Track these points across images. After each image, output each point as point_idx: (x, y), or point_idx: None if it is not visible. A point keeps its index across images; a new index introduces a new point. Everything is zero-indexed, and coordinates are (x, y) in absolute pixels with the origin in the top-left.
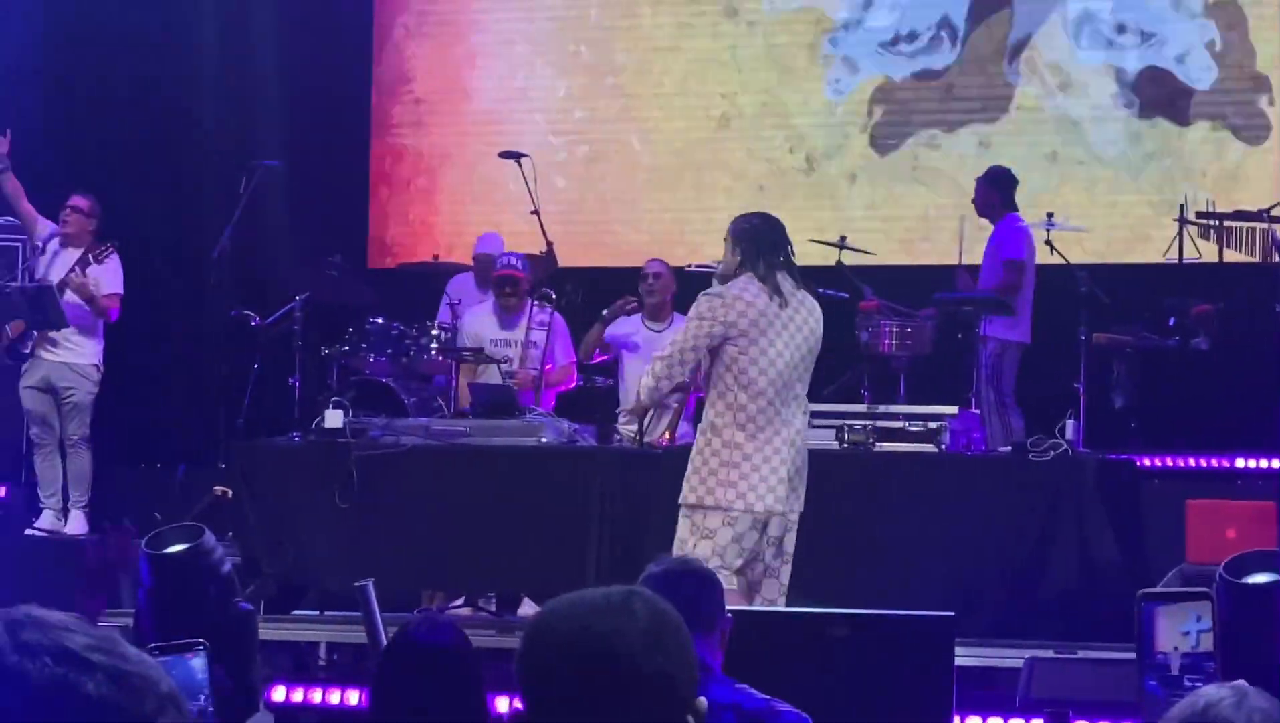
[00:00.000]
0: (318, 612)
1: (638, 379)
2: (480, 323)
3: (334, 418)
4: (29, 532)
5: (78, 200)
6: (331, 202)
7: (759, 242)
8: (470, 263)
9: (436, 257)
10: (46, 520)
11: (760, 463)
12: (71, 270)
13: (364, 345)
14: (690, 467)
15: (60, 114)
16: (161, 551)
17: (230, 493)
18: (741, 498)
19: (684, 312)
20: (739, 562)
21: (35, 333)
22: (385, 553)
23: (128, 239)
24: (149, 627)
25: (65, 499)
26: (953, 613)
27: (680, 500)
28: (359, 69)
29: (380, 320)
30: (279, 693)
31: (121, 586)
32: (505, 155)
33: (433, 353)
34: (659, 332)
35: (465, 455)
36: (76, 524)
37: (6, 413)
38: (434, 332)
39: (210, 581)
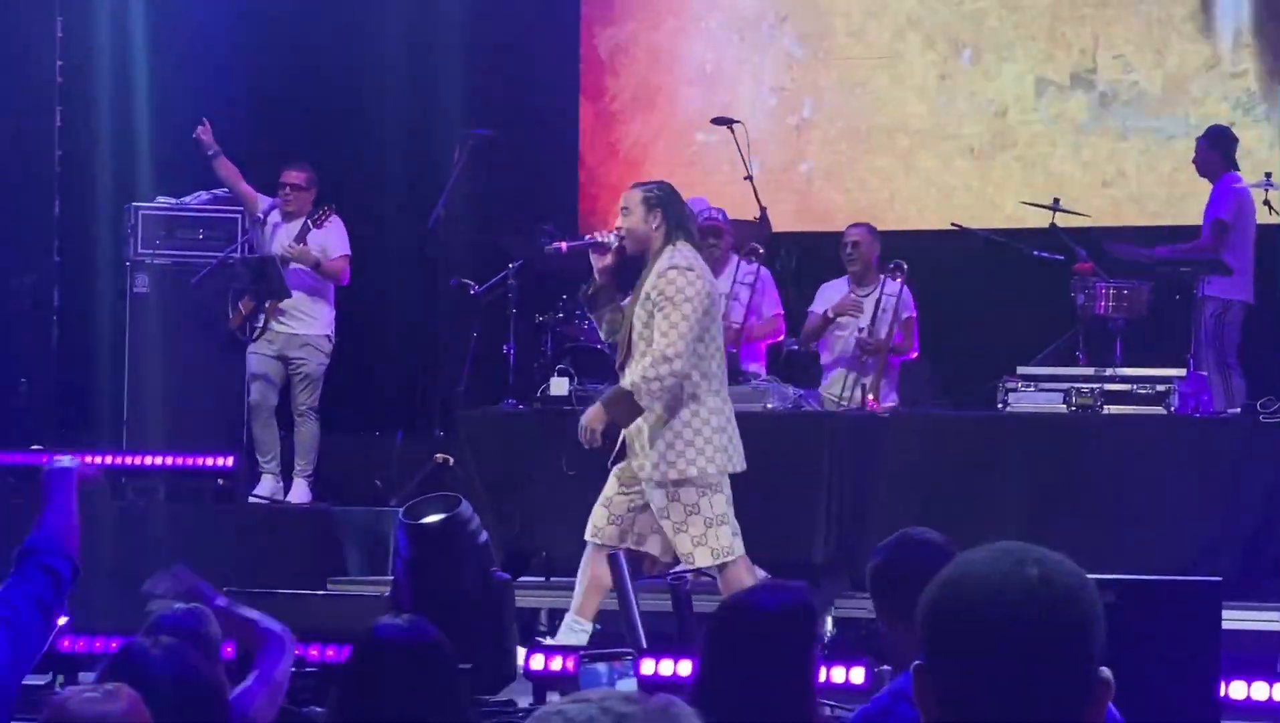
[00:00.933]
0: (543, 578)
1: (844, 343)
2: None
3: (559, 385)
4: (251, 499)
5: (294, 176)
6: (543, 169)
7: (679, 210)
8: None
9: None
10: (266, 486)
11: (733, 422)
12: (292, 243)
13: (577, 312)
14: (673, 438)
15: (272, 86)
16: (418, 521)
17: (451, 460)
18: (730, 461)
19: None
20: None
21: (265, 310)
22: None
23: (346, 210)
24: (407, 597)
25: (285, 464)
26: (1220, 578)
27: (664, 477)
28: (569, 36)
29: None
30: (537, 661)
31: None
32: (717, 121)
33: None
34: (867, 295)
35: None
36: (300, 493)
37: (232, 386)
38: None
39: (468, 550)
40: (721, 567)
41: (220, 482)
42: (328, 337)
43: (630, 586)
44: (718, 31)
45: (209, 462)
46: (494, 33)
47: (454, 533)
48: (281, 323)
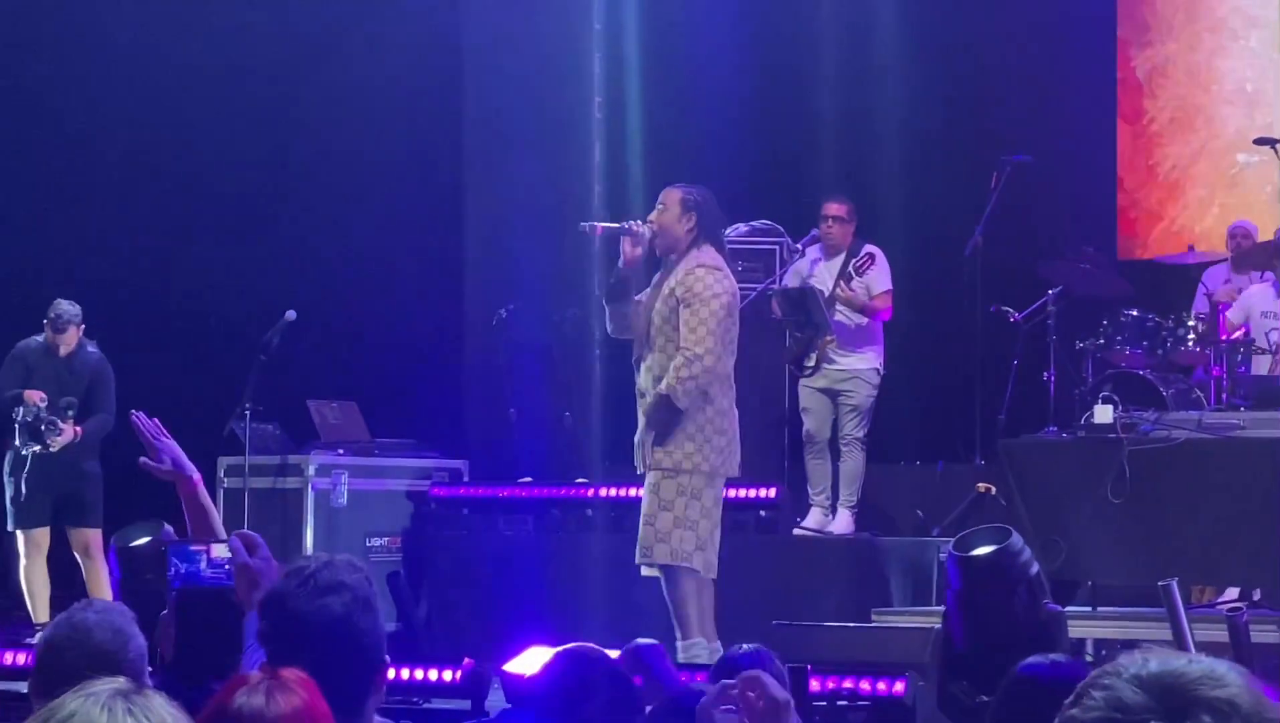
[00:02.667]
0: (1089, 608)
1: None
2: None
3: (1103, 413)
4: (797, 531)
5: (836, 208)
6: (1080, 194)
7: (714, 214)
8: (1225, 253)
9: (1191, 247)
10: (814, 518)
11: (736, 427)
12: (837, 283)
13: (1119, 338)
14: (676, 431)
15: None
16: (969, 553)
17: (993, 489)
18: (725, 463)
19: None
20: None
21: (818, 346)
22: (1158, 548)
23: (882, 238)
24: (958, 629)
25: (834, 498)
26: None
27: (674, 465)
28: (1105, 60)
29: (1134, 312)
30: None
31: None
32: (1260, 142)
33: (1190, 344)
34: None
35: (1240, 448)
36: (843, 523)
37: (772, 417)
38: (1190, 323)
39: (1018, 582)
40: (673, 571)
41: (763, 513)
42: (876, 370)
43: (1184, 615)
44: (1258, 49)
45: (753, 493)
46: (1030, 58)
47: (1005, 565)
48: (833, 360)
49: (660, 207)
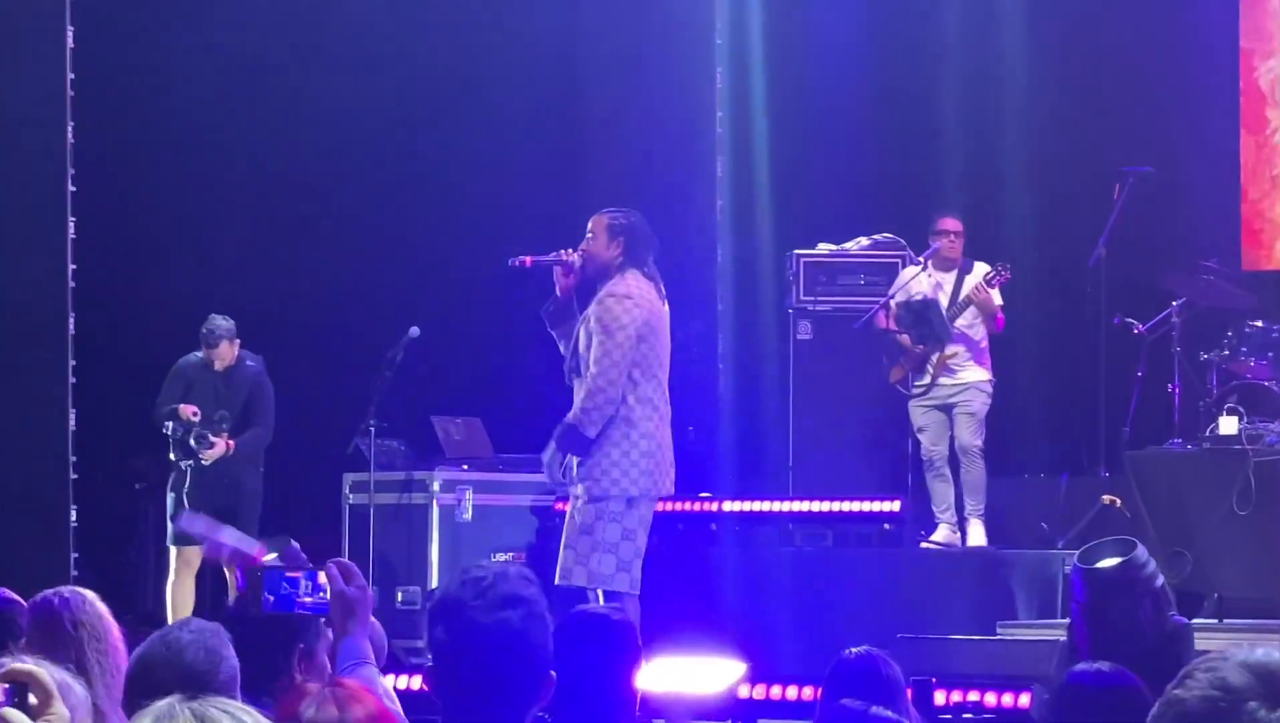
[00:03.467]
0: (1215, 620)
1: None
2: None
3: (1228, 424)
4: (924, 545)
5: (953, 223)
6: (1203, 205)
7: (641, 239)
8: None
9: None
10: (941, 534)
11: (665, 447)
12: (957, 293)
13: (1243, 349)
14: (600, 456)
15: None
16: (1094, 565)
17: (1118, 502)
18: (655, 485)
19: None
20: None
21: (931, 365)
22: None
23: (1005, 251)
24: (1084, 642)
25: (960, 511)
26: None
27: (593, 493)
28: (1227, 69)
29: (1259, 324)
30: None
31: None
32: None
33: None
34: None
35: None
36: (977, 535)
37: (895, 428)
38: None
39: (1144, 594)
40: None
41: (887, 526)
42: (990, 381)
43: None
44: None
45: (875, 506)
46: (1152, 69)
47: (1131, 577)
48: (945, 375)
49: (589, 234)
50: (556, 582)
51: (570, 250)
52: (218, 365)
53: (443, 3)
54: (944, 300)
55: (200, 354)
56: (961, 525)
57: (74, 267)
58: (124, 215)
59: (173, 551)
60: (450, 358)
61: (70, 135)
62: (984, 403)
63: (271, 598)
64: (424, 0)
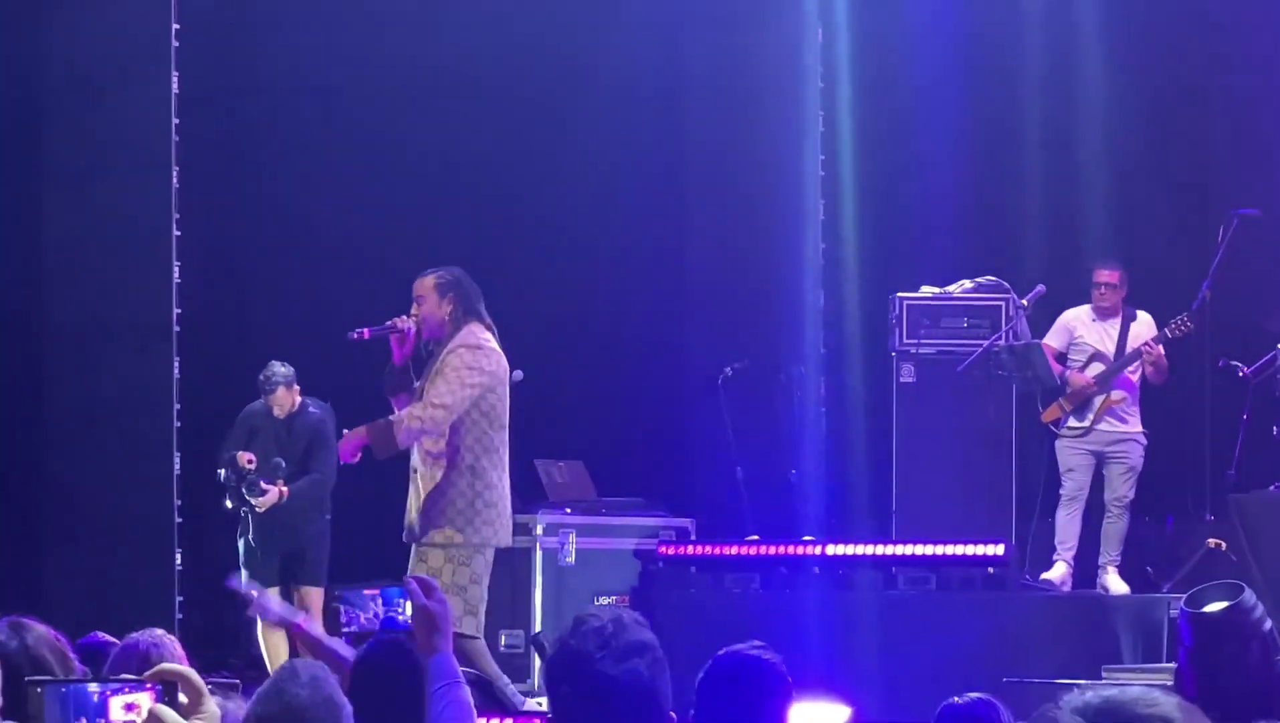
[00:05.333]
0: None
1: None
2: None
3: None
4: (1037, 581)
5: (1106, 275)
6: None
7: (469, 292)
8: None
9: None
10: (1057, 572)
11: (507, 498)
12: (1149, 343)
13: None
14: (446, 505)
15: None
16: (1201, 609)
17: (1224, 545)
18: (496, 534)
19: None
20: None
21: (1096, 407)
22: None
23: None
24: (1190, 686)
25: (1095, 558)
26: None
27: (429, 540)
28: None
29: None
30: None
31: None
32: None
33: None
34: None
35: None
36: (1118, 584)
37: (998, 474)
38: None
39: (1252, 638)
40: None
41: (991, 571)
42: (1144, 432)
43: None
44: None
45: (979, 550)
46: (1255, 108)
47: (1238, 621)
48: (1125, 420)
49: (417, 299)
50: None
51: (404, 317)
52: (278, 412)
53: (542, 40)
54: (1110, 348)
55: (263, 401)
56: (1098, 573)
57: (179, 311)
58: (225, 251)
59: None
60: (554, 401)
61: (175, 180)
62: (1140, 456)
63: (366, 614)
64: (523, 37)
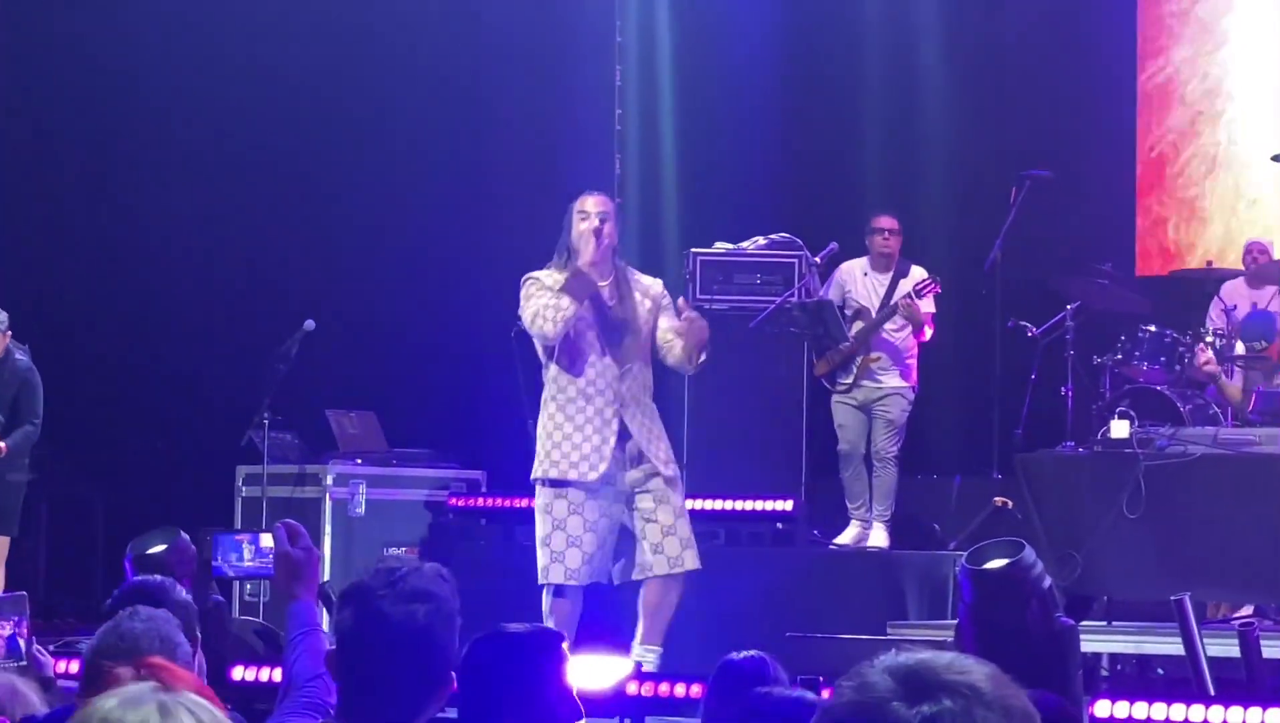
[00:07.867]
0: (1104, 622)
1: None
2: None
3: (1120, 428)
4: (832, 546)
5: (887, 221)
6: (1099, 210)
7: None
8: (1242, 268)
9: (1210, 263)
10: (850, 534)
11: None
12: (888, 297)
13: (1136, 353)
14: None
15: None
16: (981, 566)
17: (1010, 503)
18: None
19: None
20: None
21: (857, 365)
22: (1173, 563)
23: (902, 251)
24: (970, 642)
25: (869, 513)
26: None
27: (675, 473)
28: (1122, 75)
29: (1152, 328)
30: (1102, 708)
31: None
32: (1277, 158)
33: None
34: None
35: (1256, 464)
36: (879, 537)
37: (789, 431)
38: (1208, 338)
39: (1030, 596)
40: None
41: (780, 526)
42: (912, 388)
43: (1197, 630)
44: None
45: (769, 505)
46: (1049, 70)
47: (1017, 578)
48: (878, 379)
49: (605, 217)
50: (669, 569)
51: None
52: None
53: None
54: (875, 304)
55: None
56: (868, 525)
57: None
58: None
59: None
60: (345, 352)
61: None
62: (903, 410)
63: (227, 557)
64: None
